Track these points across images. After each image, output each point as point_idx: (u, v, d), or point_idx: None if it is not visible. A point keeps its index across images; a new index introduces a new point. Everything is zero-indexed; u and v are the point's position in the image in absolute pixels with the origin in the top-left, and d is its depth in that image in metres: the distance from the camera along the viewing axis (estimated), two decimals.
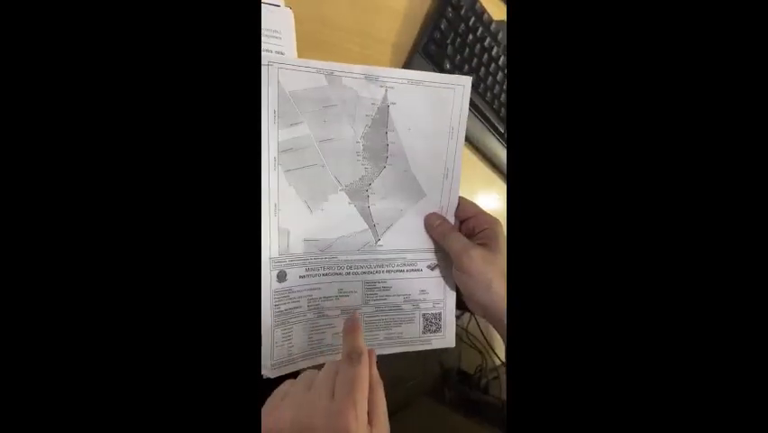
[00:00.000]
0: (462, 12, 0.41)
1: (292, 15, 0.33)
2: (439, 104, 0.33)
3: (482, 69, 0.44)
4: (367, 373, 0.25)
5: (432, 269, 0.36)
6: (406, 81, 0.33)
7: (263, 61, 0.29)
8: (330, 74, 0.31)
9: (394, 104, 0.33)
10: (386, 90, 0.32)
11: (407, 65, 0.39)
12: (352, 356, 0.25)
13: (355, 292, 0.34)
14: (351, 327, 0.28)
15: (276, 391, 0.25)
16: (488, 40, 0.44)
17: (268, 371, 0.31)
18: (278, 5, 0.33)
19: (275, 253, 0.31)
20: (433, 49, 0.40)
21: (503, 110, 0.47)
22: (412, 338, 0.36)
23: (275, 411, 0.23)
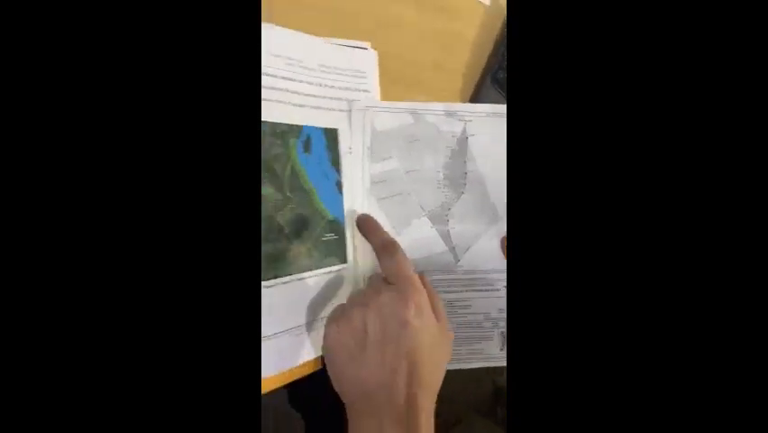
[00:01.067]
0: None
1: (376, 56, 0.37)
2: None
3: None
4: (408, 260, 0.25)
5: None
6: (483, 114, 0.36)
7: (359, 106, 0.33)
8: (414, 112, 0.35)
9: (473, 135, 0.36)
10: (464, 124, 0.36)
11: (477, 92, 0.42)
12: (387, 247, 0.26)
13: None
14: (369, 226, 0.29)
15: (330, 316, 0.27)
16: None
17: None
18: (366, 48, 0.37)
19: (367, 271, 0.35)
20: (501, 76, 0.42)
21: None
22: (491, 355, 0.38)
23: (337, 326, 0.25)
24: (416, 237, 0.36)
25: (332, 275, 0.35)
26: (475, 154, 0.36)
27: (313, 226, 0.35)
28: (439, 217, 0.36)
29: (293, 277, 0.33)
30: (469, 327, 0.37)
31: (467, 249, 0.37)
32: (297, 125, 0.33)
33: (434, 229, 0.37)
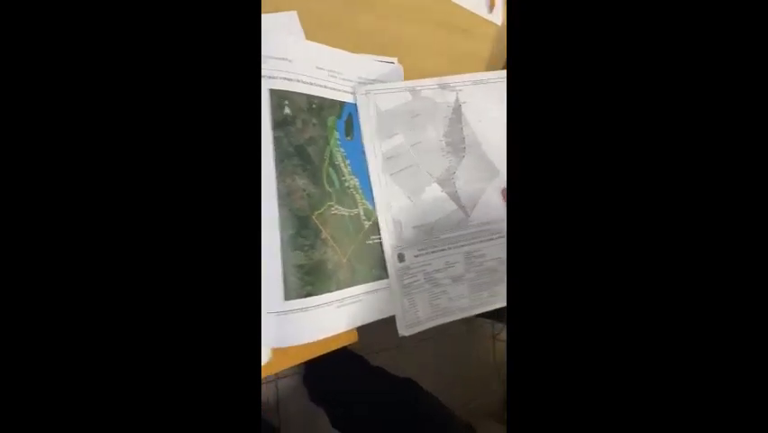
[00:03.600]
0: None
1: (402, 69, 0.41)
2: (500, 96, 0.40)
3: None
4: None
5: None
6: (470, 83, 0.39)
7: (362, 90, 0.36)
8: (412, 89, 0.38)
9: (464, 102, 0.40)
10: (456, 93, 0.39)
11: None
12: None
13: (458, 263, 0.42)
14: None
15: None
16: None
17: (404, 330, 0.39)
18: (393, 63, 0.40)
19: (393, 241, 0.39)
20: None
21: None
22: None
23: None
24: (429, 202, 0.40)
25: (379, 293, 0.37)
26: (469, 119, 0.40)
27: (356, 229, 0.36)
28: (446, 181, 0.41)
29: (333, 296, 0.33)
30: (487, 273, 0.42)
31: (475, 205, 0.42)
32: (337, 101, 0.35)
33: (443, 192, 0.41)
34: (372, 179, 0.38)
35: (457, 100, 0.39)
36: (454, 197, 0.41)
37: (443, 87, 0.39)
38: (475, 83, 0.39)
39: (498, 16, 0.47)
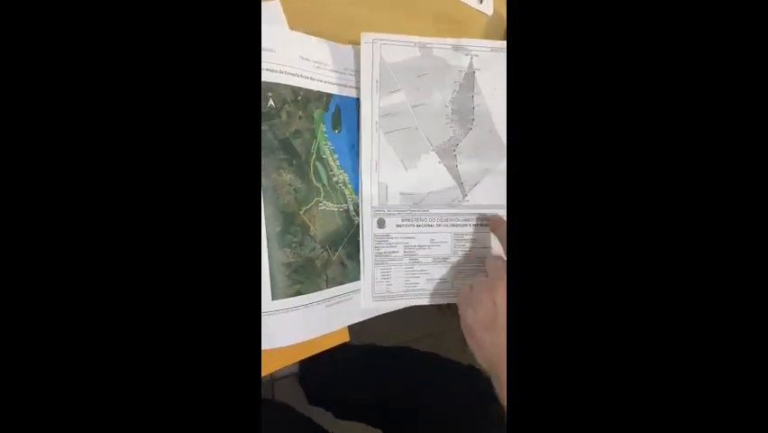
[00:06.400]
0: None
1: None
2: None
3: None
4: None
5: None
6: (488, 49, 0.36)
7: (367, 39, 0.34)
8: (423, 46, 0.35)
9: (479, 70, 0.36)
10: (471, 58, 0.36)
11: None
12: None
13: (445, 243, 0.38)
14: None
15: (463, 301, 0.33)
16: None
17: (369, 302, 0.36)
18: None
19: (375, 203, 0.36)
20: None
21: None
22: None
23: (473, 310, 0.31)
24: (424, 173, 0.37)
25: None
26: (482, 88, 0.37)
27: (346, 225, 0.35)
28: (447, 153, 0.37)
29: (323, 294, 0.33)
30: (474, 261, 0.38)
31: (475, 184, 0.38)
32: (324, 93, 0.34)
33: (441, 165, 0.37)
34: (363, 135, 0.35)
35: (471, 65, 0.36)
36: (453, 171, 0.38)
37: (457, 48, 0.36)
38: (494, 50, 0.36)
39: (489, 7, 0.44)
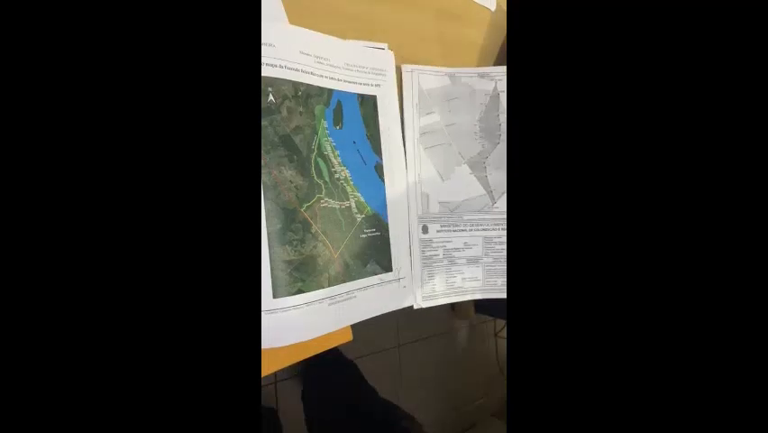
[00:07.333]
0: None
1: (393, 56, 0.39)
2: None
3: None
4: None
5: None
6: None
7: (407, 69, 0.39)
8: (452, 75, 0.41)
9: (502, 92, 0.42)
10: (495, 82, 0.42)
11: None
12: None
13: (477, 245, 0.43)
14: None
15: None
16: None
17: (420, 301, 0.40)
18: (384, 48, 0.38)
19: (420, 212, 0.41)
20: None
21: None
22: None
23: None
24: (458, 183, 0.42)
25: (374, 289, 0.35)
26: (506, 108, 0.42)
27: (348, 222, 0.33)
28: (478, 165, 0.42)
29: (325, 292, 0.32)
30: (503, 261, 0.43)
31: (502, 193, 0.43)
32: (325, 88, 0.33)
33: (473, 175, 0.42)
34: (408, 150, 0.40)
35: (495, 89, 0.42)
36: (483, 181, 0.43)
37: (482, 75, 0.41)
38: None
39: (492, 1, 0.45)
